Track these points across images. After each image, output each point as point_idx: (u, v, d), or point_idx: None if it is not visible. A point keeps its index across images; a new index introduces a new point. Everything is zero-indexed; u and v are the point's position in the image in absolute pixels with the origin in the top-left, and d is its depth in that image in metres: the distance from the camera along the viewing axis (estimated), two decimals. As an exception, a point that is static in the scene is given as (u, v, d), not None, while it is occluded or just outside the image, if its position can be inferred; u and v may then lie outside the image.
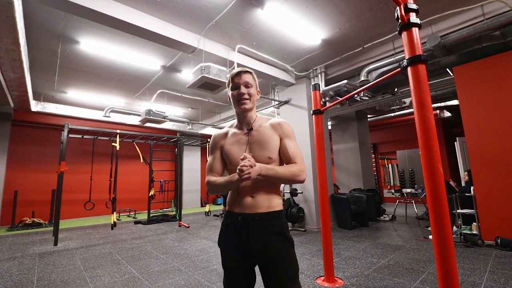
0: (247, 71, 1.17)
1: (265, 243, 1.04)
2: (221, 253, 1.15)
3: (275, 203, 1.11)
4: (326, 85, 5.07)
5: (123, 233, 5.17)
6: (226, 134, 1.22)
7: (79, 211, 7.05)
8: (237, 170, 0.98)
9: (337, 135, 7.79)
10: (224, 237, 1.14)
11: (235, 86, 1.16)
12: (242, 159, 1.00)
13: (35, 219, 6.26)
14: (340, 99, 2.50)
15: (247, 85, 1.15)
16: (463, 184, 5.04)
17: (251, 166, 0.98)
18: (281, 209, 1.13)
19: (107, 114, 6.65)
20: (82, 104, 6.94)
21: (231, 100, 1.20)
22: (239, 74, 1.15)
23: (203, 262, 3.19)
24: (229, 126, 1.27)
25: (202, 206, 10.03)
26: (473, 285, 2.29)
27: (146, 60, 4.68)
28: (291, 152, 1.12)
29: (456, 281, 1.14)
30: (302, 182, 1.09)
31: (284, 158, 1.13)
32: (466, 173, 4.65)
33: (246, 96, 1.14)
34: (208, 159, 1.23)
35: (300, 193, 5.15)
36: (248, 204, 1.08)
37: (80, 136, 5.98)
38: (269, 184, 1.11)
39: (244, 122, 1.20)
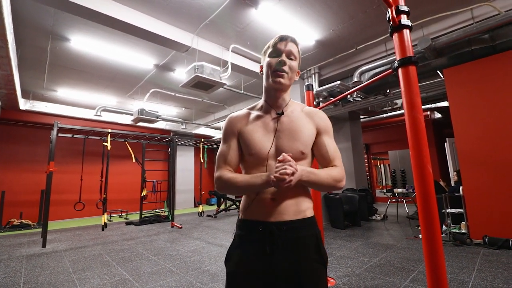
0: (294, 40, 0.92)
1: (294, 262, 0.82)
2: (230, 275, 0.87)
3: (305, 207, 0.89)
4: (319, 86, 5.10)
5: (114, 234, 5.09)
6: (247, 116, 0.97)
7: (69, 212, 6.89)
8: (274, 177, 0.75)
9: (330, 136, 7.82)
10: (236, 254, 0.88)
11: (276, 53, 0.90)
12: (281, 161, 0.77)
13: (23, 220, 6.10)
14: (333, 99, 2.51)
15: (290, 56, 0.91)
16: (452, 184, 5.13)
17: (293, 174, 0.75)
18: (313, 214, 0.92)
19: (98, 113, 6.54)
20: (73, 103, 6.81)
21: (263, 71, 0.94)
22: (284, 39, 0.90)
23: (195, 263, 3.16)
24: (250, 108, 1.00)
25: (195, 206, 9.96)
26: (462, 283, 2.33)
27: (138, 59, 4.62)
28: (331, 153, 0.91)
29: (444, 279, 1.16)
30: (340, 189, 0.91)
31: (321, 158, 0.92)
32: (455, 173, 4.74)
33: (286, 69, 0.89)
34: (220, 147, 0.97)
35: (293, 193, 5.16)
36: (270, 209, 0.85)
37: (70, 135, 5.85)
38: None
39: (274, 104, 0.95)
